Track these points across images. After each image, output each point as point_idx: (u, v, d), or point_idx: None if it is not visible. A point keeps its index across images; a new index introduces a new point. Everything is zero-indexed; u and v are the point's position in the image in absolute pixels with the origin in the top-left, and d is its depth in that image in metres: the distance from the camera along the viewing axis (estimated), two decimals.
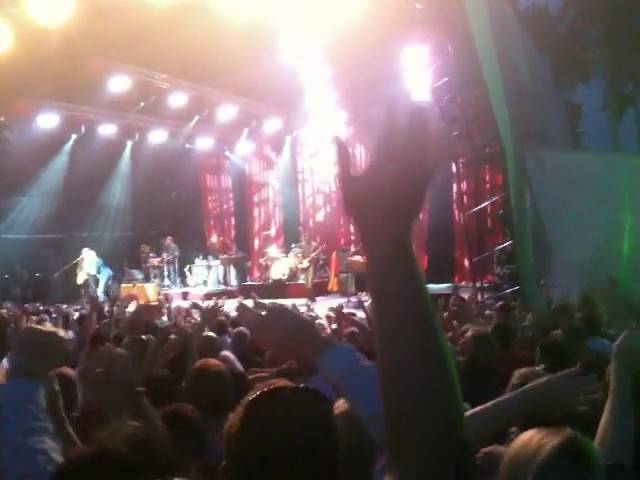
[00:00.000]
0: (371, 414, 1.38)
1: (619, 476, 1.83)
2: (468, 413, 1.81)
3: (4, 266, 15.88)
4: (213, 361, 3.23)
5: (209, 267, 18.21)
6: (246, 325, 4.14)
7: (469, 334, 4.34)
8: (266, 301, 9.64)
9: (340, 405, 1.63)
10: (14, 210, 15.77)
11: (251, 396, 1.27)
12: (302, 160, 19.41)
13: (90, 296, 13.71)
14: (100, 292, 16.03)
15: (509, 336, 4.87)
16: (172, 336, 5.11)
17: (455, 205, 15.88)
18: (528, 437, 1.53)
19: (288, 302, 10.38)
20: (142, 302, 8.92)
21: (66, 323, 6.95)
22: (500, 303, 8.11)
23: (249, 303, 8.81)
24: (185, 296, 16.27)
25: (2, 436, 1.50)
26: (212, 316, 6.09)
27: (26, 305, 11.73)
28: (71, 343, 5.12)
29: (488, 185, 14.79)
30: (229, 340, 5.93)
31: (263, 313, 1.59)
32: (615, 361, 2.12)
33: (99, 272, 16.31)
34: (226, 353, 4.82)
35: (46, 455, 1.48)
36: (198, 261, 18.65)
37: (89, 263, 16.00)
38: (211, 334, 5.15)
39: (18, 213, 15.83)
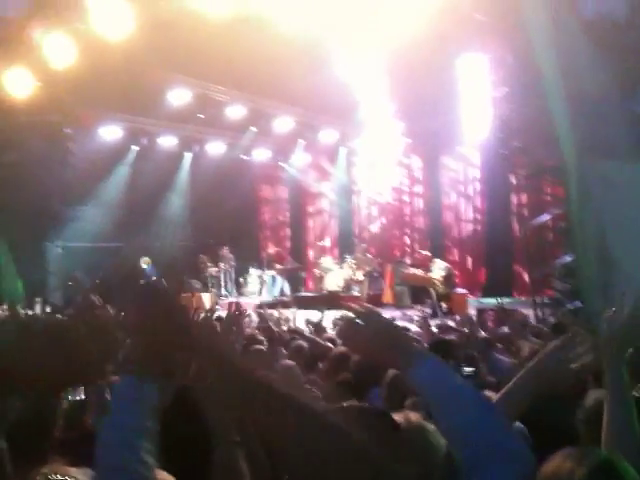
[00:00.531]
0: (460, 436, 1.31)
1: None
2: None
3: (67, 274, 16.35)
4: None
5: (264, 277, 18.32)
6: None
7: (525, 351, 4.17)
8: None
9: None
10: (77, 219, 16.22)
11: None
12: (357, 171, 19.36)
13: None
14: None
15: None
16: None
17: (514, 218, 15.50)
18: (561, 459, 1.47)
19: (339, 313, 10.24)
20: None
21: None
22: (554, 322, 7.78)
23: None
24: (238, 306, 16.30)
25: (106, 427, 1.45)
26: (234, 323, 5.93)
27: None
28: None
29: (549, 198, 14.38)
30: (284, 352, 5.88)
31: (354, 315, 1.55)
32: (604, 351, 1.94)
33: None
34: (288, 362, 4.72)
35: (141, 457, 1.41)
36: (253, 271, 18.79)
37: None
38: (260, 347, 5.08)
39: (81, 222, 16.29)
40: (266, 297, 17.59)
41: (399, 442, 1.23)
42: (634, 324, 1.98)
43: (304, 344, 6.00)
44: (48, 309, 12.26)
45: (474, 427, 1.29)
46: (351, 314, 1.54)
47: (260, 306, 13.51)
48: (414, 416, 1.58)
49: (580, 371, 1.88)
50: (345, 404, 1.28)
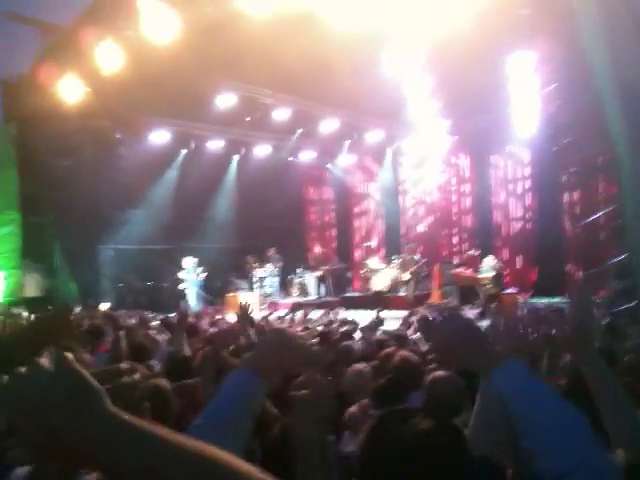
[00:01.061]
0: (542, 446, 1.27)
1: None
2: None
3: (119, 275, 16.73)
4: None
5: (310, 277, 18.38)
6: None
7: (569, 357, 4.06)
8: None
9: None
10: (128, 222, 16.59)
11: (379, 414, 1.28)
12: (403, 171, 19.25)
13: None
14: (194, 301, 16.44)
15: (610, 362, 4.47)
16: None
17: (566, 216, 15.15)
18: None
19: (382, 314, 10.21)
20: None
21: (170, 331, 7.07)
22: (606, 321, 7.56)
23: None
24: (275, 307, 16.30)
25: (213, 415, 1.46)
26: (246, 317, 5.93)
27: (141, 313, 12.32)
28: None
29: (601, 195, 14.01)
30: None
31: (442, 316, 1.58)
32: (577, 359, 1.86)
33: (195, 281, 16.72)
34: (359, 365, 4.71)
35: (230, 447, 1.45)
36: (300, 271, 18.89)
37: (187, 271, 16.54)
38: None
39: (132, 225, 16.65)
40: (312, 297, 17.65)
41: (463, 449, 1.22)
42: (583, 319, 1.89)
43: (354, 345, 6.01)
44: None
45: (562, 438, 1.25)
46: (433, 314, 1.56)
47: (306, 306, 13.57)
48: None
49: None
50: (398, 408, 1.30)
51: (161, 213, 16.98)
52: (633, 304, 10.89)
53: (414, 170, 18.78)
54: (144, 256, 16.89)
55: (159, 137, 15.90)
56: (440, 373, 3.42)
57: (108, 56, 11.28)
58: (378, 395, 3.71)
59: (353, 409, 3.53)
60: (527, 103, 13.40)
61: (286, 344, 1.55)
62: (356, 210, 20.54)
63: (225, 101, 14.33)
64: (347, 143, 18.46)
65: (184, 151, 17.15)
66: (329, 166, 20.22)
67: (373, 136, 18.05)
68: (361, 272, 17.90)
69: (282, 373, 1.68)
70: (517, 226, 16.89)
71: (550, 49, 11.57)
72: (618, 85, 10.01)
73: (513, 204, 17.03)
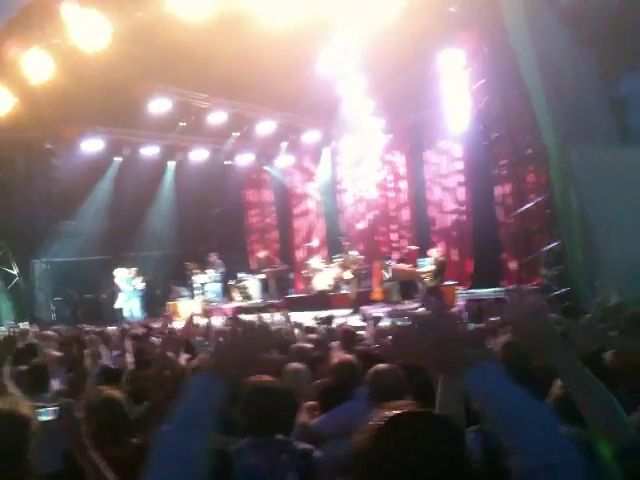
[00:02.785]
0: (515, 444, 1.32)
1: (632, 459, 1.60)
2: None
3: (56, 288, 16.29)
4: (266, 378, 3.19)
5: (253, 281, 18.32)
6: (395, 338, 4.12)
7: (500, 343, 4.25)
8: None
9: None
10: (63, 234, 16.16)
11: (387, 417, 1.28)
12: (341, 170, 19.43)
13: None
14: (138, 311, 16.14)
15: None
16: None
17: (499, 208, 15.64)
18: None
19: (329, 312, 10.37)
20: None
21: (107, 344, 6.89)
22: (565, 305, 7.85)
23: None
24: (223, 312, 16.16)
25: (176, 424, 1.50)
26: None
27: (79, 326, 12.02)
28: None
29: (532, 185, 14.53)
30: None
31: (410, 323, 1.56)
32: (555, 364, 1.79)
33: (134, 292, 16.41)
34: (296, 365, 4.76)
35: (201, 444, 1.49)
36: (242, 276, 18.81)
37: (122, 282, 16.21)
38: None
39: (68, 237, 16.23)
40: (256, 301, 17.60)
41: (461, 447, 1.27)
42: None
43: (306, 346, 6.06)
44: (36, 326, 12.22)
45: (534, 435, 1.30)
46: (406, 322, 1.56)
47: (250, 310, 13.57)
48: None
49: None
50: (398, 411, 1.33)
51: (97, 223, 16.62)
52: (566, 289, 11.37)
53: (352, 169, 18.98)
54: (81, 268, 16.50)
55: (92, 146, 15.52)
56: (382, 366, 3.52)
57: (36, 65, 10.99)
58: (324, 396, 3.77)
59: (303, 416, 3.55)
60: (458, 99, 13.78)
61: (247, 342, 1.60)
62: (296, 211, 20.59)
63: (159, 106, 14.14)
64: (285, 144, 18.51)
65: (118, 159, 16.80)
66: (268, 168, 20.21)
67: (310, 136, 18.17)
68: (303, 272, 17.97)
69: (244, 372, 1.72)
70: (452, 219, 17.32)
71: (478, 45, 11.95)
72: (544, 79, 10.42)
73: (447, 198, 17.46)
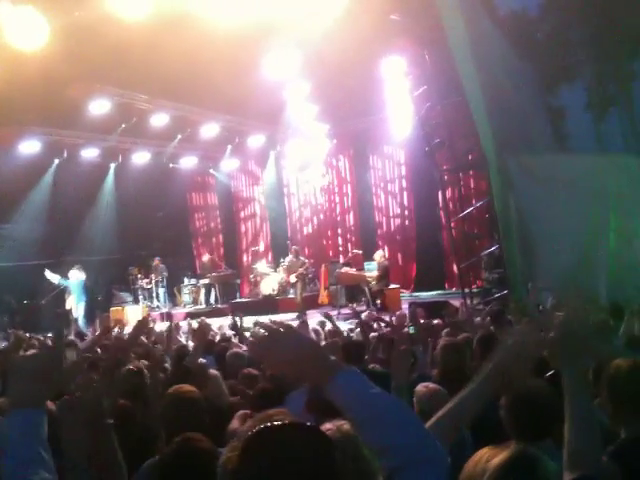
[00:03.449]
0: (381, 445, 1.34)
1: None
2: (442, 410, 1.78)
3: None
4: (187, 387, 3.16)
5: (198, 286, 18.13)
6: (252, 347, 4.05)
7: (439, 345, 4.33)
8: (264, 319, 9.62)
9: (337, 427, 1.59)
10: (0, 238, 15.64)
11: (250, 432, 1.23)
12: (287, 174, 19.44)
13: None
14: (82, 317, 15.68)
15: (491, 345, 4.79)
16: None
17: (442, 212, 15.93)
18: (479, 455, 1.51)
19: (276, 317, 10.37)
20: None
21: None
22: (489, 310, 8.06)
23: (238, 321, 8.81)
24: (169, 317, 15.94)
25: (3, 469, 1.47)
26: (204, 336, 6.02)
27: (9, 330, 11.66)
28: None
29: (473, 191, 14.86)
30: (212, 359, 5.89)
31: (268, 333, 1.50)
32: (559, 364, 1.90)
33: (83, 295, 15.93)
34: (215, 372, 4.75)
35: None
36: (187, 281, 18.59)
37: (75, 285, 15.71)
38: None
39: (3, 241, 15.70)
40: (201, 306, 17.43)
41: (333, 459, 1.24)
42: (571, 329, 1.91)
43: (241, 352, 6.04)
44: None
45: (397, 434, 1.32)
46: (265, 332, 1.51)
47: (194, 316, 13.40)
48: (346, 426, 1.58)
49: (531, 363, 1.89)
50: (268, 421, 1.27)
51: (35, 227, 16.11)
52: (505, 292, 11.65)
53: (297, 173, 19.01)
54: (18, 273, 15.97)
55: (29, 147, 15.02)
56: None
57: None
58: (256, 402, 3.73)
59: (234, 424, 3.52)
60: (401, 105, 13.97)
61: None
62: (242, 215, 20.49)
63: (99, 107, 13.79)
64: (229, 147, 18.38)
65: (57, 161, 16.35)
66: (212, 171, 20.03)
67: (255, 140, 18.11)
68: (250, 277, 17.89)
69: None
70: (396, 224, 17.56)
71: (419, 53, 12.14)
72: (483, 88, 10.66)
73: (392, 203, 17.69)
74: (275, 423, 1.24)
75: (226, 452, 1.27)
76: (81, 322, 15.14)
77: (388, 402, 1.39)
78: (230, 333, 8.45)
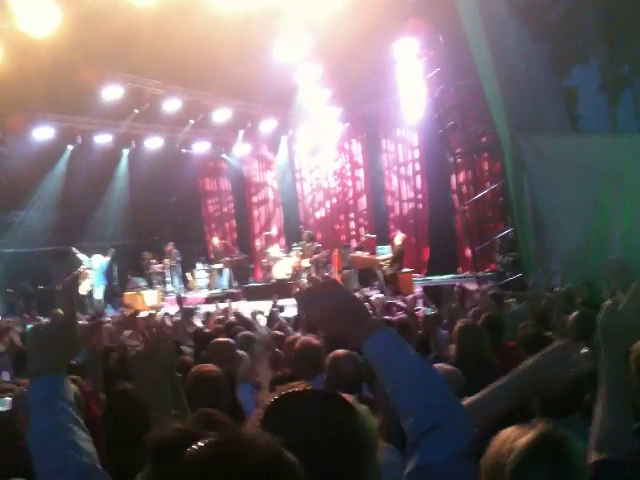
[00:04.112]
0: (405, 409, 1.36)
1: (614, 473, 1.68)
2: (466, 401, 1.78)
3: (7, 280, 15.90)
4: (209, 366, 3.17)
5: (211, 271, 18.21)
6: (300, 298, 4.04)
7: (457, 327, 4.33)
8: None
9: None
10: (14, 224, 15.77)
11: (271, 399, 1.24)
12: (299, 159, 19.40)
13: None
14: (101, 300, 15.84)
15: (499, 328, 4.81)
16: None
17: (455, 196, 15.86)
18: (506, 435, 1.50)
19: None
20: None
21: None
22: (491, 293, 8.04)
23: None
24: (181, 301, 15.98)
25: (31, 437, 1.49)
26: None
27: (26, 315, 11.80)
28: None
29: (487, 174, 14.75)
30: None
31: (314, 286, 1.55)
32: (602, 341, 1.92)
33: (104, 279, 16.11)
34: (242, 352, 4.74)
35: (76, 448, 1.46)
36: (200, 265, 18.67)
37: (98, 269, 15.86)
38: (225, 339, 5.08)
39: (18, 227, 15.83)
40: (214, 291, 17.51)
41: (356, 426, 1.24)
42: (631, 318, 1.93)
43: (252, 334, 6.08)
44: None
45: (426, 397, 1.34)
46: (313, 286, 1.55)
47: (209, 300, 13.49)
48: (348, 397, 1.60)
49: (576, 377, 1.87)
50: (294, 389, 1.28)
51: (49, 213, 16.24)
52: (519, 275, 11.61)
53: (309, 157, 18.97)
54: (33, 259, 16.12)
55: (43, 133, 15.11)
56: (340, 351, 3.51)
57: None
58: (275, 385, 3.74)
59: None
60: (414, 88, 13.87)
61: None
62: (254, 200, 20.49)
63: (112, 93, 13.83)
64: (241, 132, 18.36)
65: (70, 147, 16.42)
66: (224, 156, 20.04)
67: (267, 125, 18.07)
68: (262, 261, 17.93)
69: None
70: (409, 207, 17.49)
71: (433, 34, 12.03)
72: (496, 69, 10.56)
73: (404, 186, 17.62)
74: (296, 390, 1.26)
75: (250, 420, 1.29)
76: (101, 305, 15.32)
77: (421, 366, 1.41)
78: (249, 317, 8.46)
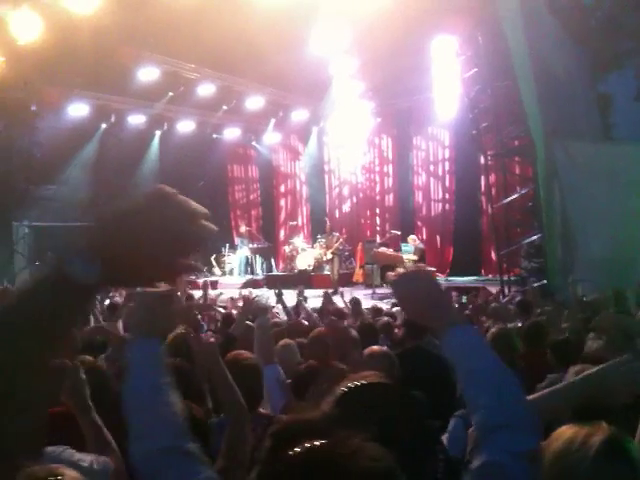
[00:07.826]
0: (477, 403, 1.40)
1: None
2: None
3: (36, 253, 16.12)
4: (245, 354, 3.20)
5: (235, 257, 18.30)
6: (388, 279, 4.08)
7: (489, 334, 4.27)
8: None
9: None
10: (45, 198, 15.95)
11: (347, 386, 1.33)
12: (328, 151, 19.37)
13: None
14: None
15: (541, 335, 4.74)
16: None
17: (483, 197, 15.71)
18: (569, 435, 1.50)
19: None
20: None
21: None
22: (518, 300, 7.96)
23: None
24: (214, 285, 16.08)
25: (131, 392, 1.55)
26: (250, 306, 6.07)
27: None
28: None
29: (517, 177, 14.57)
30: None
31: (407, 273, 1.61)
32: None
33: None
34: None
35: (173, 409, 1.51)
36: (224, 251, 18.78)
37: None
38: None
39: (49, 201, 16.02)
40: (238, 277, 17.60)
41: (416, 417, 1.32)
42: None
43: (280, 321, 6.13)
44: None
45: (498, 395, 1.38)
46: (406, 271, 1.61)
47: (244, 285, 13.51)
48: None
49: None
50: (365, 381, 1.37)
51: (80, 189, 16.41)
52: (543, 282, 11.49)
53: (339, 150, 18.93)
54: (62, 233, 16.32)
55: (78, 110, 15.30)
56: (375, 348, 3.50)
57: (25, 25, 10.76)
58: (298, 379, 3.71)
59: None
60: (449, 86, 13.75)
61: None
62: (282, 189, 20.54)
63: (147, 75, 13.94)
64: (272, 121, 18.38)
65: (104, 125, 16.60)
66: (254, 144, 20.09)
67: (299, 115, 18.07)
68: (286, 251, 17.97)
69: None
70: (437, 206, 17.38)
71: (472, 34, 11.90)
72: (534, 73, 10.43)
73: (434, 185, 17.51)
74: (371, 381, 1.35)
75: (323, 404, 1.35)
76: None
77: (498, 365, 1.45)
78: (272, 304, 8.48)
